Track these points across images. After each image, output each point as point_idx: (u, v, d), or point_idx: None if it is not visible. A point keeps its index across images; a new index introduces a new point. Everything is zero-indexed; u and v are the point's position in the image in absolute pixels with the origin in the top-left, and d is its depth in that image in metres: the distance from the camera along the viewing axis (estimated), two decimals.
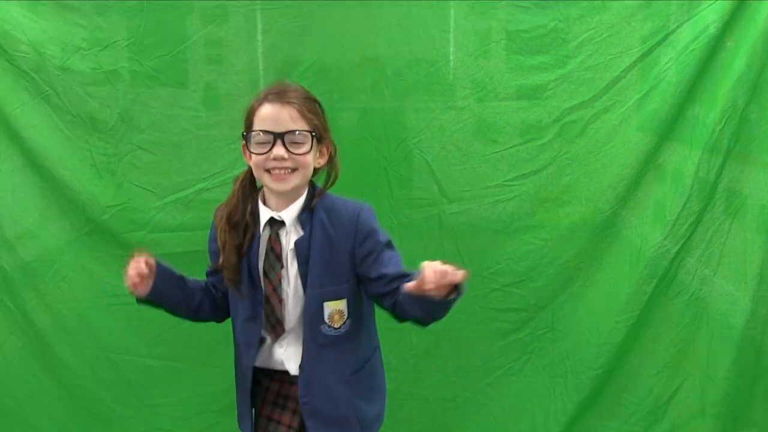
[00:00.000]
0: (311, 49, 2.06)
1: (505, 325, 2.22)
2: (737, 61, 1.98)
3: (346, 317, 1.46)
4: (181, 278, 1.54)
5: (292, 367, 1.49)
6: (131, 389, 2.23)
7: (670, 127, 2.07)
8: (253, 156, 1.42)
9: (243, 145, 1.46)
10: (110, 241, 2.15)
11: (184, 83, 2.12)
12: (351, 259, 1.45)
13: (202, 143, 2.13)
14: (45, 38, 2.04)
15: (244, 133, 1.44)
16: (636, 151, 2.10)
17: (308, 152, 1.42)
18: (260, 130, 1.40)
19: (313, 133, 1.42)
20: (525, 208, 2.16)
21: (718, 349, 2.11)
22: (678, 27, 2.03)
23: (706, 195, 2.07)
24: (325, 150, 1.48)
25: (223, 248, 1.46)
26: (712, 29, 1.98)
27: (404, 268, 1.42)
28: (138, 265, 1.41)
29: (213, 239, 1.52)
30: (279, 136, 1.39)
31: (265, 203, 1.48)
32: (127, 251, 2.13)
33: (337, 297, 1.45)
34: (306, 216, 1.45)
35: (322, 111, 1.48)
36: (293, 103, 1.41)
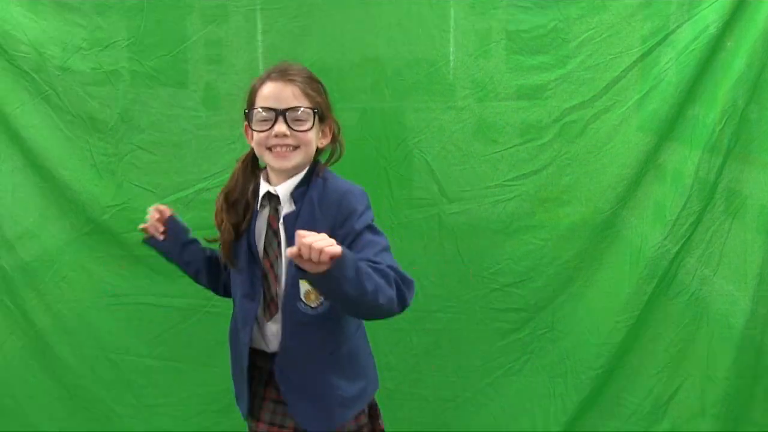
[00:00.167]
0: (311, 49, 2.07)
1: (505, 325, 2.22)
2: (737, 61, 1.98)
3: (322, 298, 1.43)
4: (188, 242, 1.60)
5: (275, 344, 1.48)
6: (131, 389, 2.23)
7: (670, 127, 2.07)
8: (254, 134, 1.42)
9: (245, 125, 1.46)
10: (110, 241, 2.16)
11: (184, 83, 2.13)
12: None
13: (202, 143, 2.13)
14: (45, 38, 2.04)
15: (246, 111, 1.44)
16: (636, 151, 2.09)
17: (310, 129, 1.41)
18: (262, 107, 1.40)
19: (316, 111, 1.42)
20: (525, 208, 2.16)
21: (718, 349, 2.11)
22: (678, 27, 2.03)
23: (706, 195, 2.07)
24: (327, 130, 1.48)
25: (220, 226, 1.47)
26: (712, 29, 1.98)
27: (379, 255, 1.35)
28: (154, 211, 1.56)
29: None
30: (281, 113, 1.39)
31: (267, 181, 1.48)
32: (127, 251, 2.16)
33: None
34: (300, 192, 1.44)
35: (325, 91, 1.48)
36: (296, 80, 1.41)
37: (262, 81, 1.43)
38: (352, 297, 1.24)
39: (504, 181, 2.14)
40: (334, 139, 1.50)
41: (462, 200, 2.15)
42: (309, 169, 1.46)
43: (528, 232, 2.17)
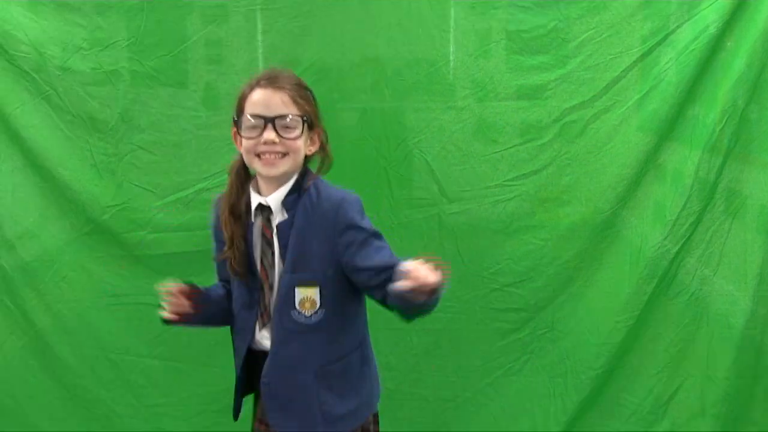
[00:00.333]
0: (311, 49, 2.07)
1: (505, 325, 2.22)
2: (737, 61, 1.98)
3: (318, 306, 1.44)
4: (208, 295, 1.52)
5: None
6: (131, 389, 2.23)
7: (670, 127, 2.07)
8: (243, 141, 1.42)
9: (234, 132, 1.46)
10: (110, 241, 2.16)
11: (184, 83, 2.13)
12: (331, 249, 1.42)
13: (202, 143, 2.13)
14: (45, 38, 2.04)
15: (235, 119, 1.44)
16: (636, 151, 2.09)
17: (299, 137, 1.41)
18: (251, 114, 1.40)
19: (305, 119, 1.42)
20: (525, 208, 2.16)
21: (718, 349, 2.11)
22: (678, 27, 2.03)
23: (706, 195, 2.07)
24: (316, 138, 1.48)
25: (231, 240, 1.46)
26: (712, 29, 1.98)
27: (393, 258, 1.39)
28: (176, 300, 1.42)
29: (216, 227, 1.52)
30: (270, 120, 1.39)
31: (257, 191, 1.47)
32: (127, 251, 2.16)
33: (309, 284, 1.43)
34: (292, 200, 1.44)
35: (314, 99, 1.48)
36: (285, 88, 1.41)
37: (251, 88, 1.43)
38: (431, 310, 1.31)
39: (504, 181, 2.14)
40: (323, 147, 1.50)
41: (462, 200, 2.15)
42: (299, 177, 1.46)
43: (528, 232, 2.17)
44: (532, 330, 2.22)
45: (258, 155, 1.41)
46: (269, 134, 1.38)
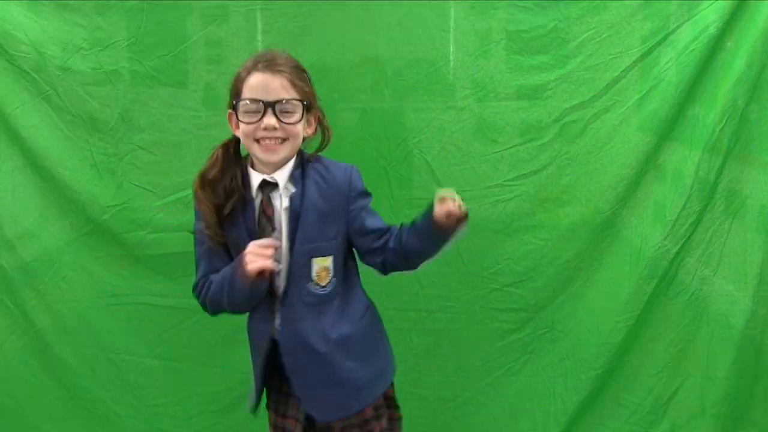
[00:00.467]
0: (311, 49, 2.06)
1: (505, 325, 2.22)
2: (737, 61, 1.98)
3: (331, 275, 1.45)
4: None
5: (277, 334, 1.48)
6: (131, 389, 2.23)
7: (670, 127, 2.07)
8: (241, 125, 1.41)
9: (229, 114, 1.45)
10: (110, 241, 2.16)
11: (184, 83, 2.12)
12: (343, 216, 1.47)
13: (202, 143, 2.12)
14: (45, 38, 2.04)
15: (232, 102, 1.43)
16: (636, 151, 2.09)
17: (298, 122, 1.41)
18: (249, 99, 1.39)
19: (304, 103, 1.42)
20: (525, 208, 2.16)
21: (718, 349, 2.11)
22: (678, 27, 2.03)
23: (706, 195, 2.07)
24: (312, 119, 1.48)
25: (200, 205, 1.44)
26: (712, 29, 1.98)
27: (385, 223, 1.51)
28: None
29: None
30: (269, 105, 1.38)
31: (254, 168, 1.47)
32: (127, 251, 2.16)
33: (324, 253, 1.45)
34: (298, 174, 1.45)
35: (310, 80, 1.48)
36: (284, 72, 1.40)
37: (248, 71, 1.41)
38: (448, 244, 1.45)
39: (504, 181, 2.14)
40: (321, 124, 1.50)
41: (462, 200, 2.15)
42: (298, 158, 1.47)
43: (528, 232, 2.17)
44: (532, 330, 2.22)
45: (257, 140, 1.40)
46: (270, 119, 1.38)
